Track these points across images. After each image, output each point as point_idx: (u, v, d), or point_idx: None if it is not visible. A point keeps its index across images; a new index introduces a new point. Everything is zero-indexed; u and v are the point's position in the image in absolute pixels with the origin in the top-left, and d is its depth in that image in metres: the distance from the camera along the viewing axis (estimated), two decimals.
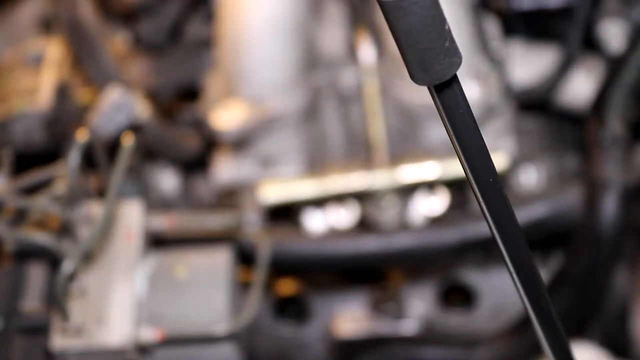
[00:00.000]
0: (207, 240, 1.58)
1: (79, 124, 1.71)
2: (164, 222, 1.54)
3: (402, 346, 1.71)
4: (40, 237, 1.44)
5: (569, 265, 1.63)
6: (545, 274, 1.74)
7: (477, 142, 0.80)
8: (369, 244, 1.70)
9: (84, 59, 1.80)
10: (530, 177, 1.83)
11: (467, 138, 0.80)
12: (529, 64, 1.79)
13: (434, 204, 1.76)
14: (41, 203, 1.45)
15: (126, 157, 1.43)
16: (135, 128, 1.71)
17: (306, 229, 1.77)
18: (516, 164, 1.81)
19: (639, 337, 1.73)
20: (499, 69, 1.77)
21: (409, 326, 1.75)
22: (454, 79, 0.76)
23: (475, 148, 0.81)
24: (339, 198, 1.76)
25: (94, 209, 1.48)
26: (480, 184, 0.83)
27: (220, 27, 1.76)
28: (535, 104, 1.81)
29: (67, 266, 1.36)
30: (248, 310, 1.47)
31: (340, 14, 1.86)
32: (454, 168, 1.72)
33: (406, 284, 1.80)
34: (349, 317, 1.78)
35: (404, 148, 1.78)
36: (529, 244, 0.89)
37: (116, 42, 1.94)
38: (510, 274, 0.90)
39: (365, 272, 1.82)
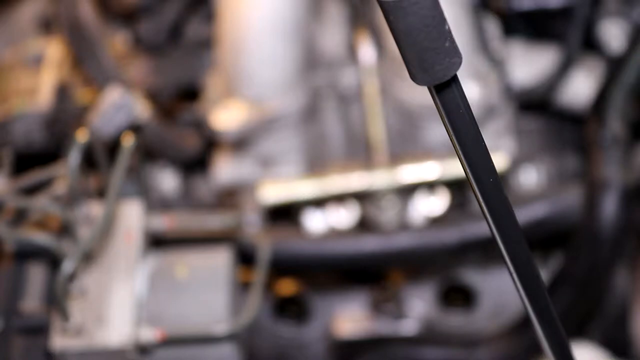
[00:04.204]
0: (207, 240, 1.58)
1: (79, 124, 1.71)
2: (164, 222, 1.54)
3: (402, 346, 1.71)
4: (40, 237, 1.44)
5: (569, 265, 1.63)
6: (545, 274, 1.74)
7: (477, 142, 0.80)
8: (369, 244, 1.70)
9: (84, 59, 1.80)
10: (530, 177, 1.83)
11: (467, 138, 0.80)
12: (529, 64, 1.79)
13: (434, 204, 1.76)
14: (41, 203, 1.45)
15: (126, 157, 1.43)
16: (135, 128, 1.71)
17: (306, 229, 1.77)
18: (516, 164, 1.81)
19: (639, 337, 1.73)
20: (499, 69, 1.77)
21: (409, 326, 1.75)
22: (454, 79, 0.76)
23: (475, 148, 0.80)
24: (339, 198, 1.76)
25: (94, 209, 1.48)
26: (480, 184, 0.83)
27: (220, 27, 1.76)
28: (535, 104, 1.81)
29: (67, 266, 1.36)
30: (248, 310, 1.47)
31: (340, 14, 1.86)
32: (454, 168, 1.72)
33: (406, 284, 1.80)
34: (349, 317, 1.78)
35: (404, 148, 1.78)
36: (529, 244, 0.89)
37: (116, 42, 1.94)
38: (510, 274, 0.90)
39: (365, 272, 1.82)
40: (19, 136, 1.74)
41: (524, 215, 1.68)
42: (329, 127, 1.83)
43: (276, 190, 1.74)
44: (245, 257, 1.62)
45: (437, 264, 1.81)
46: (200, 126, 1.81)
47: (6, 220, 1.46)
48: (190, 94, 1.88)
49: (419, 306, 1.79)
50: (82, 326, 1.39)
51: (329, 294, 1.82)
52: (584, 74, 1.77)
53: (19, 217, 1.47)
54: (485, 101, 1.72)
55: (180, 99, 1.89)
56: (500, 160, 1.71)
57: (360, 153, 1.81)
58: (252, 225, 1.75)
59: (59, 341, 1.39)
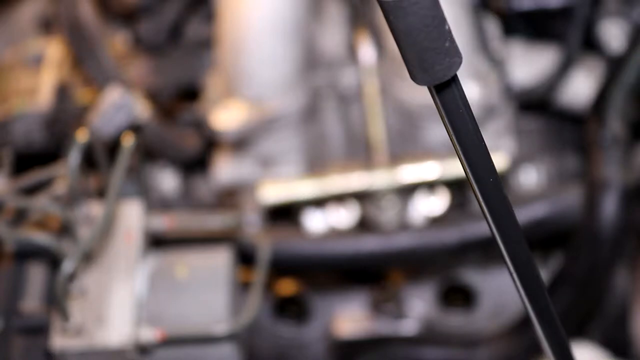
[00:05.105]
0: (207, 240, 1.58)
1: (79, 124, 1.71)
2: (164, 222, 1.54)
3: (402, 346, 1.71)
4: (40, 237, 1.44)
5: (569, 265, 1.63)
6: (545, 274, 1.74)
7: (477, 142, 0.80)
8: (369, 244, 1.70)
9: (84, 59, 1.80)
10: (530, 177, 1.83)
11: (467, 138, 0.80)
12: (529, 64, 1.79)
13: (434, 204, 1.76)
14: (41, 203, 1.45)
15: (126, 157, 1.43)
16: (135, 128, 1.71)
17: (306, 229, 1.77)
18: (516, 164, 1.81)
19: (639, 337, 1.73)
20: (499, 69, 1.77)
21: (409, 326, 1.75)
22: (454, 79, 0.76)
23: (475, 148, 0.80)
24: (339, 198, 1.76)
25: (94, 209, 1.48)
26: (480, 184, 0.83)
27: (220, 27, 1.76)
28: (535, 104, 1.81)
29: (67, 266, 1.36)
30: (248, 310, 1.47)
31: (340, 14, 1.86)
32: (454, 168, 1.72)
33: (406, 284, 1.80)
34: (349, 317, 1.78)
35: (404, 148, 1.78)
36: (529, 244, 0.89)
37: (116, 42, 1.94)
38: (510, 274, 0.90)
39: (365, 272, 1.82)
40: (19, 136, 1.74)
41: (524, 215, 1.68)
42: (329, 127, 1.83)
43: (276, 190, 1.74)
44: (245, 257, 1.62)
45: (437, 264, 1.81)
46: (200, 126, 1.81)
47: (6, 220, 1.46)
48: (190, 94, 1.88)
49: (419, 306, 1.79)
50: (82, 326, 1.39)
51: (329, 294, 1.82)
52: (584, 74, 1.77)
53: (19, 217, 1.47)
54: (485, 101, 1.72)
55: (180, 99, 1.89)
56: (500, 160, 1.71)
57: (360, 153, 1.81)
58: (252, 225, 1.75)
59: (59, 341, 1.39)
